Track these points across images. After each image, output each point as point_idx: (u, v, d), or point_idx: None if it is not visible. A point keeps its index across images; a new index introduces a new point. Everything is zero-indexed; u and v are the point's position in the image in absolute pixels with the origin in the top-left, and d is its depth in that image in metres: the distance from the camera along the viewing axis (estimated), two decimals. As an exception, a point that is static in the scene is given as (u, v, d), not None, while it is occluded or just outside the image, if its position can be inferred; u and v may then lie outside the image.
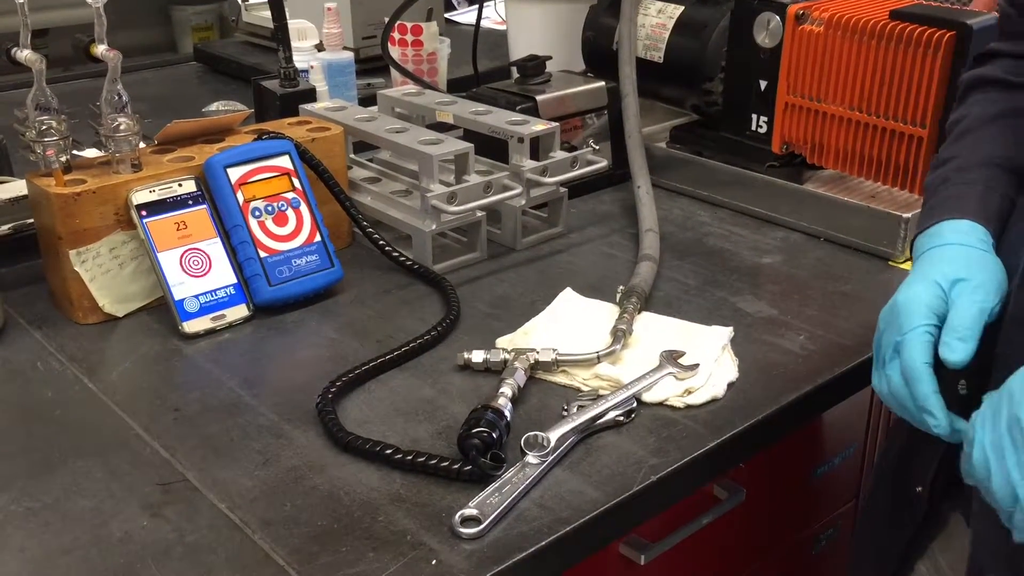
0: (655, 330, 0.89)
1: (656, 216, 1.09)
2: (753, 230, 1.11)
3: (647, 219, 1.08)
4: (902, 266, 1.02)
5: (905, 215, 1.02)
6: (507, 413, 0.74)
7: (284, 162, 0.97)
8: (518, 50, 1.55)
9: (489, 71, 1.58)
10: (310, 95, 1.25)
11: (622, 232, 1.11)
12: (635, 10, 1.26)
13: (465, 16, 2.25)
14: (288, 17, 1.67)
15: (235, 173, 0.93)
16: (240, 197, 0.93)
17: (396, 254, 1.01)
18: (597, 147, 1.23)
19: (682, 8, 1.25)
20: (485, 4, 2.23)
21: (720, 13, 1.20)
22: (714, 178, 1.19)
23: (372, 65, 1.60)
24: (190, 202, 0.92)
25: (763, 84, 1.15)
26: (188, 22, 3.52)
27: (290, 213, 0.95)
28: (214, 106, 1.55)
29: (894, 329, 0.68)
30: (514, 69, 1.26)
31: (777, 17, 1.11)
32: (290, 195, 0.96)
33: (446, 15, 2.27)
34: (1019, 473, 0.56)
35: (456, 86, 1.50)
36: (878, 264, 1.02)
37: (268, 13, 1.81)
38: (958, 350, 0.64)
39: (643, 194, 1.12)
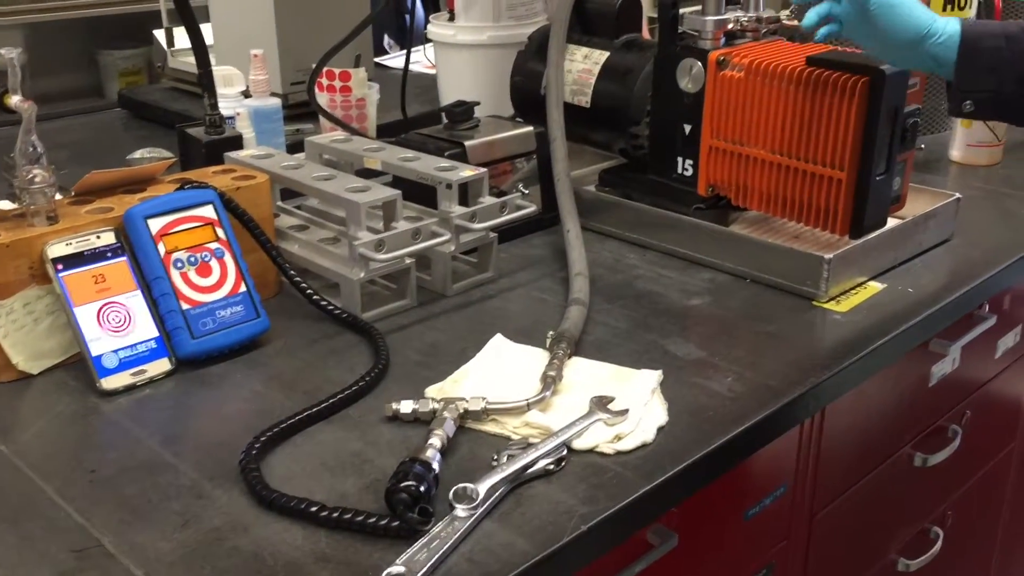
0: (585, 375, 0.89)
1: (586, 259, 1.09)
2: (681, 272, 1.12)
3: (577, 263, 1.08)
4: (825, 306, 1.04)
5: (827, 255, 1.04)
6: (435, 465, 0.72)
7: (208, 212, 0.95)
8: (448, 95, 1.56)
9: (420, 115, 1.58)
10: (236, 142, 1.24)
11: (552, 276, 1.12)
12: (561, 56, 1.28)
13: (397, 60, 2.26)
14: (215, 63, 1.66)
15: (156, 224, 0.91)
16: (161, 248, 0.91)
17: (324, 303, 0.99)
18: (527, 191, 1.23)
19: (607, 54, 1.27)
20: (417, 48, 2.25)
21: (644, 59, 1.22)
22: (642, 221, 1.21)
23: (301, 111, 1.59)
24: (109, 254, 0.90)
25: (687, 128, 1.17)
26: (115, 67, 3.46)
27: (214, 264, 0.93)
28: (138, 153, 1.52)
29: None
30: (444, 114, 1.27)
31: (699, 63, 1.13)
32: (214, 245, 0.94)
33: (377, 59, 2.28)
34: None
35: (387, 131, 1.49)
36: (802, 304, 1.04)
37: (194, 59, 1.80)
38: None
39: (572, 238, 1.13)
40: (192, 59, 1.79)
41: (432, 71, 1.84)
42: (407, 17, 3.06)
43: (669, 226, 1.18)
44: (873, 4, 0.92)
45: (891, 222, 1.11)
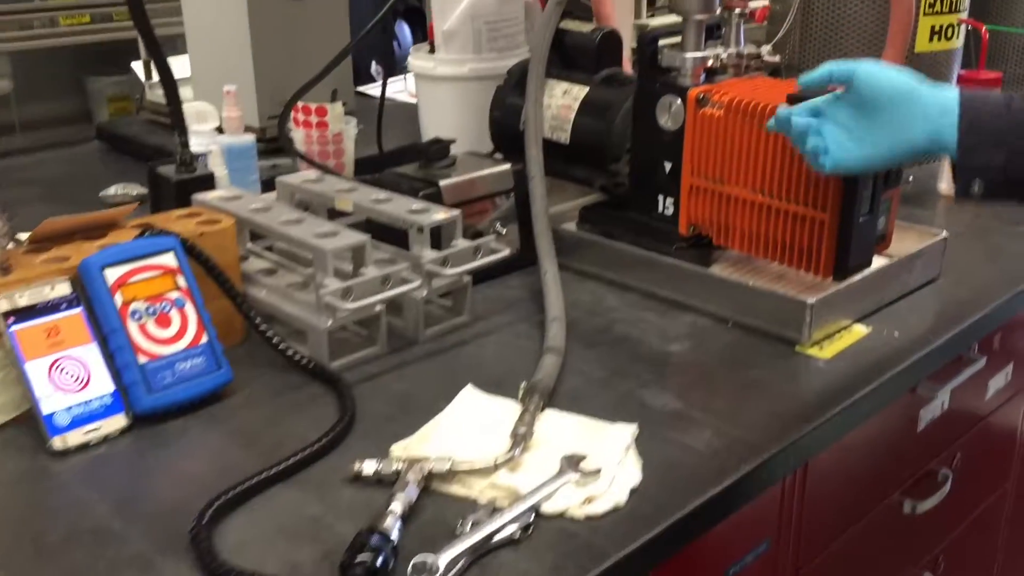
0: (558, 430, 0.86)
1: (563, 303, 1.06)
2: (661, 315, 1.09)
3: (553, 307, 1.05)
4: (809, 351, 1.00)
5: (810, 300, 1.01)
6: (395, 534, 0.69)
7: (168, 260, 0.92)
8: (429, 128, 1.53)
9: (399, 149, 1.55)
10: (207, 181, 1.21)
11: (529, 320, 1.08)
12: (540, 91, 1.25)
13: (376, 90, 2.23)
14: (192, 95, 1.64)
15: (113, 274, 0.88)
16: (118, 299, 0.88)
17: (290, 352, 0.96)
18: (503, 231, 1.20)
19: (587, 89, 1.24)
20: (397, 78, 2.22)
21: (624, 95, 1.20)
22: (622, 261, 1.18)
23: (280, 144, 1.56)
24: (63, 306, 0.87)
25: (668, 166, 1.14)
26: (103, 92, 3.44)
27: (174, 314, 0.90)
28: (112, 190, 1.50)
29: None
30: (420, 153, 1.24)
31: (679, 100, 1.10)
32: (174, 295, 0.91)
33: (362, 88, 2.25)
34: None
35: (366, 165, 1.47)
36: (785, 349, 1.01)
37: (171, 92, 1.77)
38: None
39: (549, 280, 1.10)
40: (170, 91, 1.77)
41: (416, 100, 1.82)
42: (395, 43, 3.05)
43: (650, 267, 1.15)
44: (860, 75, 0.86)
45: (876, 262, 1.09)
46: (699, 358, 1.00)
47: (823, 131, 0.89)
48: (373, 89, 2.26)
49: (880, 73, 0.86)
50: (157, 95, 1.77)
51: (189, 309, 0.91)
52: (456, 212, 1.04)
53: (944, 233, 1.16)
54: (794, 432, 0.86)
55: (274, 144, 1.56)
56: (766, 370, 0.97)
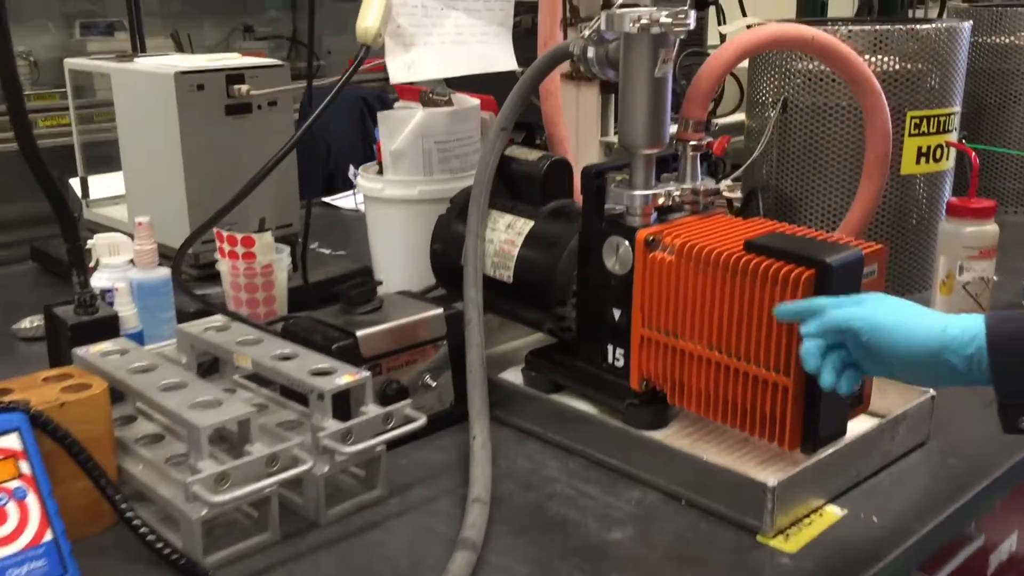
0: (457, 659, 0.71)
1: (489, 478, 0.92)
2: (606, 489, 0.95)
3: (476, 483, 0.91)
4: (772, 543, 0.85)
5: (771, 483, 0.86)
6: None
7: (11, 442, 0.78)
8: (377, 251, 1.42)
9: (339, 278, 1.44)
10: (109, 324, 1.09)
11: (452, 494, 0.94)
12: (482, 225, 1.14)
13: (347, 200, 2.13)
14: (128, 214, 1.53)
15: (-62, 463, 0.75)
16: (-59, 493, 0.74)
17: (159, 545, 0.82)
18: (434, 384, 1.07)
19: (532, 223, 1.12)
20: (348, 194, 2.12)
21: (572, 230, 1.07)
22: (568, 420, 1.04)
23: (213, 271, 1.45)
24: None
25: (617, 313, 1.01)
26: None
27: (11, 508, 0.76)
28: (26, 322, 1.38)
29: None
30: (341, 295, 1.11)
31: (626, 242, 0.98)
32: (14, 484, 0.77)
33: (327, 199, 2.16)
34: None
35: (300, 296, 1.35)
36: (744, 539, 0.86)
37: (111, 211, 1.67)
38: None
39: (477, 448, 0.96)
40: (109, 211, 1.68)
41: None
42: (374, 147, 2.97)
43: (596, 429, 1.01)
44: (864, 335, 0.76)
45: (853, 428, 0.94)
46: (643, 552, 0.85)
47: (849, 352, 0.80)
48: (339, 200, 2.16)
49: (883, 332, 0.76)
50: (96, 213, 1.67)
51: (31, 500, 0.78)
52: (365, 374, 0.91)
53: (931, 392, 1.01)
54: (746, 665, 0.71)
55: (208, 270, 1.45)
56: (719, 570, 0.82)
